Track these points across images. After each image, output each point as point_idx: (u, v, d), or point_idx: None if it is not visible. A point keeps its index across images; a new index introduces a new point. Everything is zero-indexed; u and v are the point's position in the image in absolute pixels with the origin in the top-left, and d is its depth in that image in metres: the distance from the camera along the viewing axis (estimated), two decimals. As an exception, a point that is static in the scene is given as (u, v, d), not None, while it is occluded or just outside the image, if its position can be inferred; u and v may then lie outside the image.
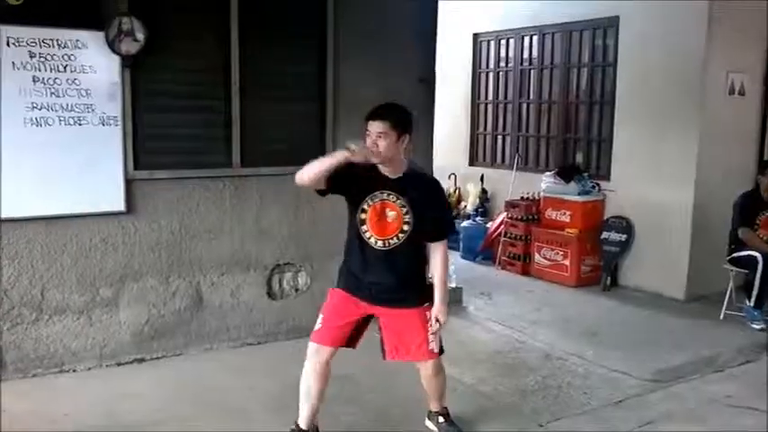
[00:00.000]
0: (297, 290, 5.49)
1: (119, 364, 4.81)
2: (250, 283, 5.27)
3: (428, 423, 3.95)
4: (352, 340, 3.65)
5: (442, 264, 3.59)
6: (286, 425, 3.87)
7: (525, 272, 7.71)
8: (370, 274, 3.51)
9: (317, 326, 3.60)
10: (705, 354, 5.23)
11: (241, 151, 5.11)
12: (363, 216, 3.47)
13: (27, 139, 4.42)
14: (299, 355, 5.02)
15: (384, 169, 3.47)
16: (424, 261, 3.62)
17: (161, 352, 4.96)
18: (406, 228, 3.45)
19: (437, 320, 3.55)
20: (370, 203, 3.46)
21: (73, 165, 4.55)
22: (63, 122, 4.50)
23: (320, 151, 5.40)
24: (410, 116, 3.52)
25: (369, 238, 3.48)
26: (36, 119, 4.42)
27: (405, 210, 3.45)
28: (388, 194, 3.46)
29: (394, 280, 3.50)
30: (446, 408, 3.91)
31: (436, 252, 3.59)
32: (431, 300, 3.57)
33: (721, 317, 6.06)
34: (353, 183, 3.46)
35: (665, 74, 6.73)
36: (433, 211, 3.52)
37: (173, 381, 4.60)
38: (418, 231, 3.47)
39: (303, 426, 3.65)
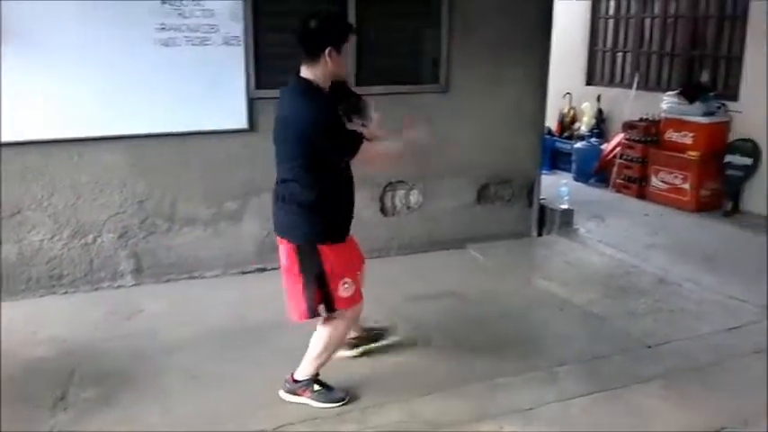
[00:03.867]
0: (408, 207, 5.61)
1: (243, 273, 5.14)
2: (364, 200, 5.42)
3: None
4: None
5: None
6: (397, 334, 4.10)
7: (641, 195, 7.51)
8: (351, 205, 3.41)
9: (351, 291, 3.29)
10: (831, 284, 5.01)
11: (356, 70, 5.18)
12: None
13: (156, 59, 4.66)
14: (411, 270, 5.24)
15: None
16: None
17: (281, 263, 5.25)
18: None
19: None
20: None
21: (199, 84, 4.77)
22: (189, 43, 4.70)
23: (434, 69, 5.46)
24: None
25: (345, 168, 3.31)
26: (164, 39, 4.64)
27: None
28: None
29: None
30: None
31: None
32: None
33: None
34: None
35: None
36: None
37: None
38: None
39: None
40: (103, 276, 4.84)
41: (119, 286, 4.86)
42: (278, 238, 3.29)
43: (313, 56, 3.06)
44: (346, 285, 3.24)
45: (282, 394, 3.40)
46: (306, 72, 3.11)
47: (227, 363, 3.78)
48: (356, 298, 3.32)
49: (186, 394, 3.47)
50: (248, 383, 3.57)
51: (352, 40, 3.17)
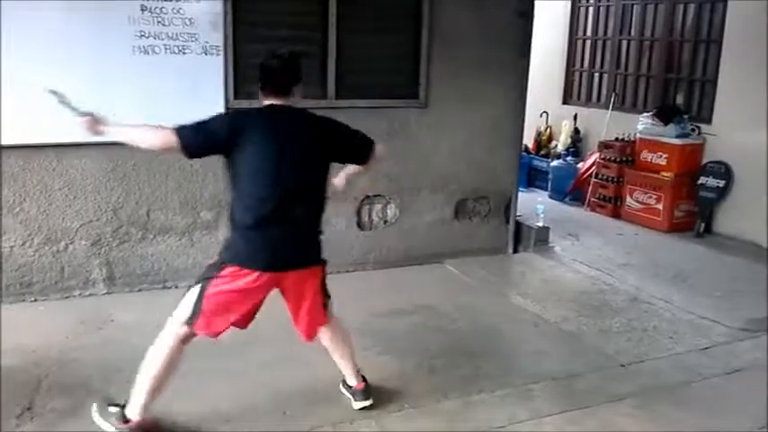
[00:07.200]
0: (385, 222, 5.61)
1: (216, 284, 5.07)
2: (341, 214, 5.41)
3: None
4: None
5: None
6: (369, 348, 4.07)
7: (615, 215, 7.58)
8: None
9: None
10: (801, 306, 5.08)
11: (336, 83, 5.18)
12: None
13: (135, 66, 4.62)
14: (386, 285, 5.22)
15: None
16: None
17: (255, 274, 5.20)
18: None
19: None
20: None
21: (177, 92, 4.73)
22: (168, 51, 4.67)
23: (414, 85, 5.48)
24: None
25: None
26: (143, 47, 4.61)
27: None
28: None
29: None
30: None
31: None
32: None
33: (821, 269, 5.83)
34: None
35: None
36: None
37: (268, 301, 4.82)
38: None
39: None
40: (74, 284, 4.76)
41: (90, 295, 4.79)
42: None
43: (287, 91, 3.20)
44: None
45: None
46: (284, 101, 3.19)
47: (196, 375, 3.72)
48: None
49: (155, 406, 3.41)
50: (219, 394, 3.54)
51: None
